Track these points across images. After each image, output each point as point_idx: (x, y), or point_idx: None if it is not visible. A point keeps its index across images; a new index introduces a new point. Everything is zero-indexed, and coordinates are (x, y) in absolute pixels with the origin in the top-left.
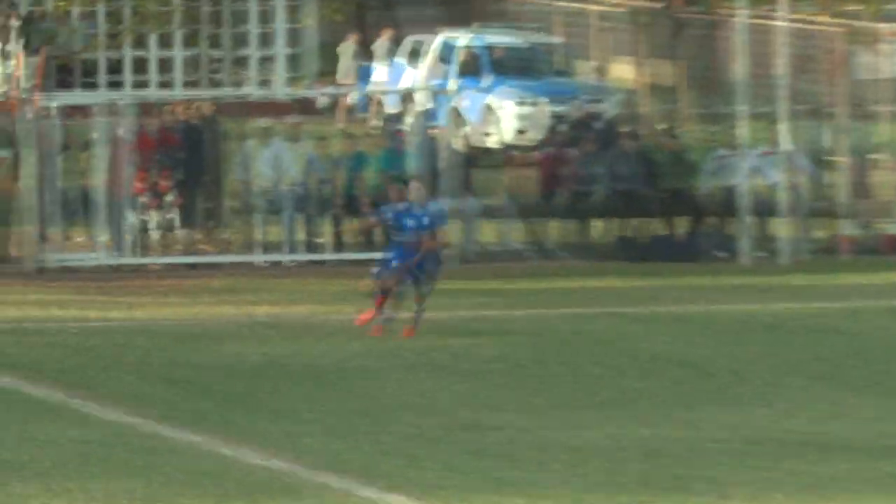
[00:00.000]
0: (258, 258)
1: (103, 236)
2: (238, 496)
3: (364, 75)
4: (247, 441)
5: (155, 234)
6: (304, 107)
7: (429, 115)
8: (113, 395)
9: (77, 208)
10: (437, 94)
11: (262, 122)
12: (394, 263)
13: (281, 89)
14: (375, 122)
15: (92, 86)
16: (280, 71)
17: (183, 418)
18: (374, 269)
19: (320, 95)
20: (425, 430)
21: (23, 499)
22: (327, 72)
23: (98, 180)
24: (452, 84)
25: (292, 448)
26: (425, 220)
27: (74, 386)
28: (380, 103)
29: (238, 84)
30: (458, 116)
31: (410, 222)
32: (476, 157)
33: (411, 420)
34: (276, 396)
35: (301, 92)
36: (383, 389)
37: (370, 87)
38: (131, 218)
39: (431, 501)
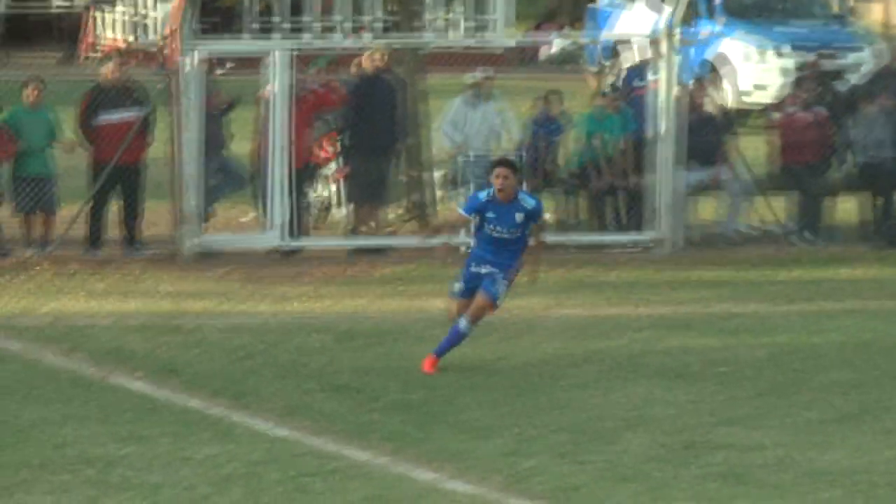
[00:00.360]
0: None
1: (276, 215)
2: None
3: (596, 19)
4: (426, 459)
5: (314, 212)
6: (521, 57)
7: (649, 68)
8: (262, 404)
9: (232, 181)
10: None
11: (473, 76)
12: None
13: (497, 37)
14: (611, 78)
15: (237, 32)
16: (498, 13)
17: (347, 431)
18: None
19: (552, 42)
20: (643, 448)
21: None
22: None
23: (263, 146)
24: (704, 30)
25: (481, 468)
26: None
27: (217, 393)
28: (615, 53)
29: (439, 30)
30: (711, 70)
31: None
32: (713, 119)
33: (624, 435)
34: (458, 406)
35: (520, 40)
36: (586, 399)
37: (605, 34)
38: (311, 193)
39: None
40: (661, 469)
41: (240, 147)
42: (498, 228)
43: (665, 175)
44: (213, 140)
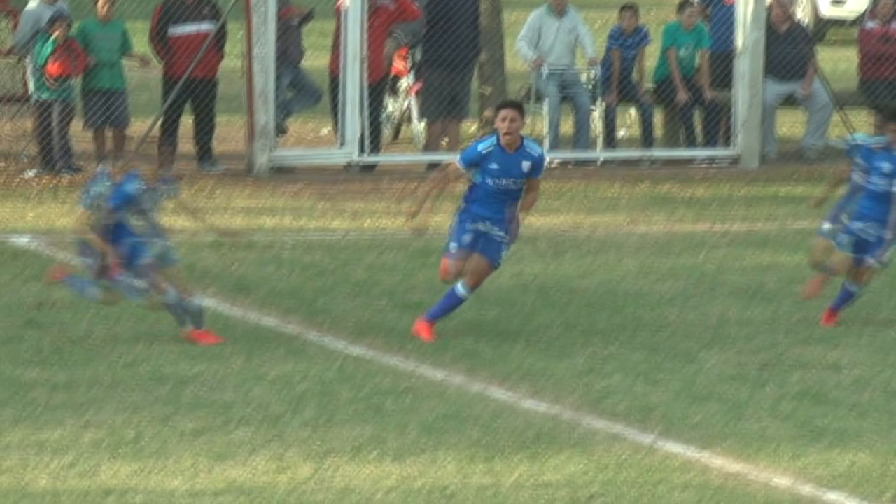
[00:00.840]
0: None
1: (350, 130)
2: (514, 447)
3: None
4: (501, 378)
5: (388, 126)
6: None
7: None
8: (335, 322)
9: (306, 95)
10: None
11: None
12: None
13: None
14: None
15: None
16: None
17: (421, 350)
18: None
19: None
20: (718, 367)
21: (252, 447)
22: None
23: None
24: None
25: (556, 387)
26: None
27: (290, 310)
28: None
29: None
30: None
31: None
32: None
33: (700, 355)
34: (533, 324)
35: None
36: (662, 317)
37: None
38: (389, 106)
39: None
40: (737, 389)
41: (316, 61)
42: (502, 181)
43: (746, 89)
44: (288, 53)
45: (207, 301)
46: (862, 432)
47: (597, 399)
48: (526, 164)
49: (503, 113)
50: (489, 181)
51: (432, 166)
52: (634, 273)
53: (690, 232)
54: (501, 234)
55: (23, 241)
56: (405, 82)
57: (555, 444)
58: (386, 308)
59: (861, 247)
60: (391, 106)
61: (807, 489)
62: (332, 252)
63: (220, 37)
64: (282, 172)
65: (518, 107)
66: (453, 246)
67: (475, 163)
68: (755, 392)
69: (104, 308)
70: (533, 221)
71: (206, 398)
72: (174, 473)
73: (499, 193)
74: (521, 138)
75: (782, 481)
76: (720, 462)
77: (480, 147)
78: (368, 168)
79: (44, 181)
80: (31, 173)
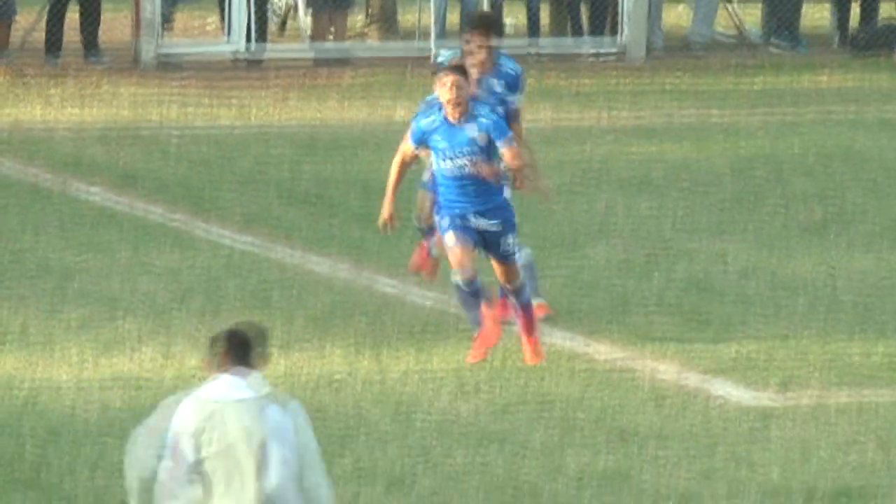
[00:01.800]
0: (399, 49)
1: (236, 22)
2: (401, 337)
3: None
4: (388, 271)
5: (275, 20)
6: None
7: None
8: (222, 214)
9: None
10: None
11: None
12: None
13: None
14: None
15: None
16: None
17: (306, 241)
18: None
19: None
20: (605, 258)
21: (139, 338)
22: None
23: None
24: None
25: (442, 279)
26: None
27: (176, 201)
28: None
29: None
30: None
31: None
32: None
33: (587, 245)
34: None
35: None
36: (549, 209)
37: None
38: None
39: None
40: (624, 279)
41: None
42: (457, 161)
43: None
44: None
45: (93, 193)
46: (747, 322)
47: (484, 289)
48: (477, 134)
49: (444, 79)
50: (442, 163)
51: (318, 61)
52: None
53: (577, 124)
54: (495, 223)
55: None
56: None
57: (441, 334)
58: (273, 200)
59: None
60: None
61: (693, 378)
62: (218, 144)
63: None
64: (168, 65)
65: (463, 71)
66: (449, 236)
67: (423, 140)
68: (641, 282)
69: None
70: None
71: (92, 290)
72: (61, 364)
73: (463, 178)
74: (468, 103)
75: (669, 370)
76: (606, 351)
77: (422, 121)
78: (255, 63)
79: None
80: None
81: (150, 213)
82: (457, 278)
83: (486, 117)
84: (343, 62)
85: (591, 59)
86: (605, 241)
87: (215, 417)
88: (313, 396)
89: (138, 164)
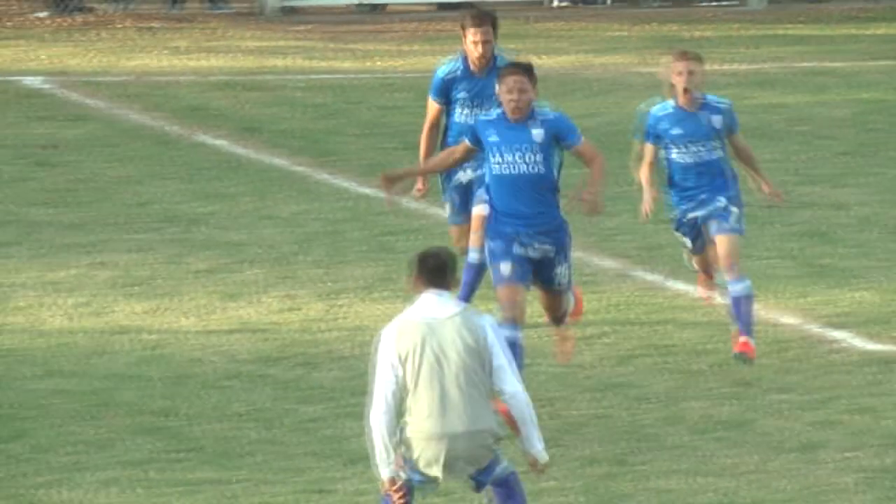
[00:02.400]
0: None
1: None
2: None
3: None
4: None
5: None
6: None
7: None
8: (344, 163)
9: None
10: None
11: None
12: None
13: None
14: None
15: None
16: None
17: (430, 191)
18: None
19: None
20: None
21: (263, 285)
22: None
23: None
24: None
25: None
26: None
27: (299, 150)
28: None
29: None
30: None
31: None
32: None
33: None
34: None
35: None
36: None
37: None
38: None
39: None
40: (746, 227)
41: None
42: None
43: None
44: None
45: (218, 142)
46: (867, 271)
47: (605, 238)
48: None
49: (508, 81)
50: (493, 163)
51: (442, 6)
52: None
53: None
54: (548, 247)
55: (35, 81)
56: None
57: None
58: (394, 148)
59: None
60: None
61: (813, 327)
62: (340, 92)
63: None
64: (291, 13)
65: (528, 70)
66: (504, 267)
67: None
68: (762, 231)
69: (114, 148)
70: (542, 63)
71: (217, 238)
72: (186, 312)
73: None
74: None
75: (789, 319)
76: (726, 301)
77: (481, 117)
78: (378, 10)
79: (56, 22)
80: (43, 14)
81: (273, 161)
82: (502, 317)
83: (549, 115)
84: (466, 8)
85: (711, 8)
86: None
87: (429, 334)
88: None
89: (261, 113)
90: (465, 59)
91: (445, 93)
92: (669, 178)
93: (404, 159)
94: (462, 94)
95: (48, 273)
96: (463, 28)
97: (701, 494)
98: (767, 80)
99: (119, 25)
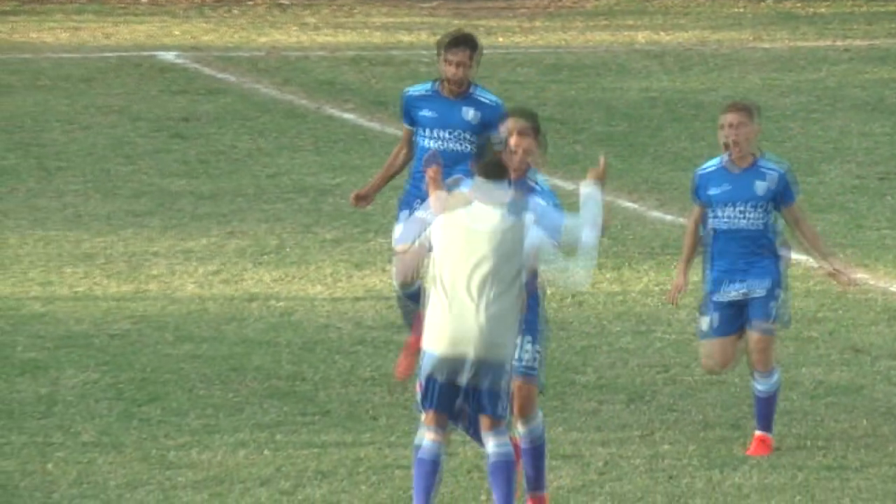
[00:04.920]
0: None
1: None
2: (642, 256)
3: None
4: (629, 189)
5: None
6: None
7: None
8: None
9: None
10: None
11: None
12: None
13: None
14: None
15: None
16: None
17: (551, 163)
18: None
19: None
20: (839, 179)
21: (390, 255)
22: None
23: None
24: None
25: (682, 198)
26: None
27: None
28: None
29: None
30: None
31: None
32: None
33: (822, 167)
34: (661, 138)
35: None
36: (785, 130)
37: None
38: None
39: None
40: (857, 200)
41: None
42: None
43: None
44: None
45: (347, 115)
46: None
47: None
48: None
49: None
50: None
51: None
52: (759, 88)
53: (813, 47)
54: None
55: (170, 56)
56: None
57: (680, 251)
58: None
59: None
60: None
61: None
62: None
63: None
64: None
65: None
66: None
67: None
68: (875, 202)
69: (249, 120)
70: (659, 38)
71: (345, 208)
72: (315, 280)
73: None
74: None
75: None
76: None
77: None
78: None
79: None
80: None
81: (400, 134)
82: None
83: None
84: None
85: None
86: (840, 163)
87: (465, 211)
88: (557, 312)
89: (389, 87)
90: (440, 81)
91: (409, 113)
92: (708, 249)
93: None
94: (428, 114)
95: (182, 242)
96: (438, 47)
97: (811, 458)
98: (882, 55)
99: (251, 2)
